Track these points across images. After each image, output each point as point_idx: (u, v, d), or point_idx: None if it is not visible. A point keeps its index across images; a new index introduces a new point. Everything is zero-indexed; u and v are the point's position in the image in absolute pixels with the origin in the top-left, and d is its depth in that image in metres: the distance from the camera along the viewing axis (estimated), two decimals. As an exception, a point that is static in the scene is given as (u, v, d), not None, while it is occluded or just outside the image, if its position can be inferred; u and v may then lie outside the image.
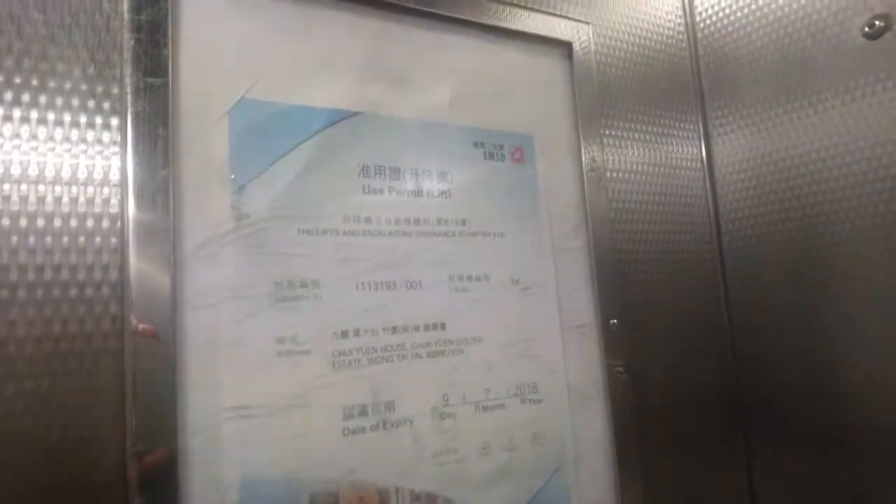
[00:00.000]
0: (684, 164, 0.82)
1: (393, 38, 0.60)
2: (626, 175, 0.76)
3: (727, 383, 0.79)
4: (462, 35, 0.64)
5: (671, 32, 0.85)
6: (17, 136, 0.43)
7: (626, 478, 0.65)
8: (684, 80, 0.85)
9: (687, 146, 0.83)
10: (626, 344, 0.69)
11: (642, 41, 0.81)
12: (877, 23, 0.64)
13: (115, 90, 0.46)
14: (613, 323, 0.69)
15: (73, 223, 0.43)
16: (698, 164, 0.84)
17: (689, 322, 0.78)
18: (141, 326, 0.43)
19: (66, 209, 0.43)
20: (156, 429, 0.43)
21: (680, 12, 0.87)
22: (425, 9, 0.60)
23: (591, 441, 0.65)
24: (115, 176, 0.45)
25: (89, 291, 0.43)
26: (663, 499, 0.69)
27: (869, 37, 0.65)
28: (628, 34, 0.80)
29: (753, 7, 0.78)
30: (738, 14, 0.80)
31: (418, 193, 0.59)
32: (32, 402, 0.40)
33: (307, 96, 0.54)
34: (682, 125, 0.83)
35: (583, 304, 0.68)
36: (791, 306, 0.74)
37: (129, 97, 0.46)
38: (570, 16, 0.73)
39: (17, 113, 0.43)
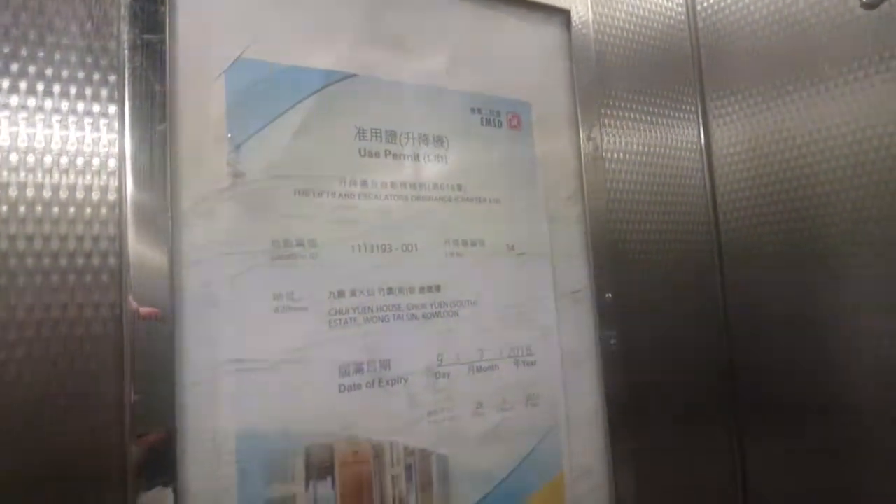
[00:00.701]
0: (682, 143, 0.83)
1: (390, 0, 0.60)
2: (623, 144, 0.76)
3: (720, 359, 0.80)
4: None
5: (671, 12, 0.84)
6: (15, 88, 0.43)
7: (617, 443, 0.67)
8: (683, 56, 0.85)
9: (685, 125, 0.83)
10: (621, 316, 0.70)
11: (642, 16, 0.81)
12: (874, -10, 0.64)
13: (113, 46, 0.46)
14: (609, 297, 0.70)
15: (72, 177, 0.44)
16: (696, 144, 0.84)
17: (684, 297, 0.78)
18: (141, 308, 0.44)
19: (63, 160, 0.44)
20: (153, 380, 0.44)
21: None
22: (422, -28, 0.61)
23: (584, 405, 0.66)
24: (112, 131, 0.46)
25: (88, 244, 0.44)
26: (653, 466, 0.70)
27: (866, 6, 0.65)
28: (627, 9, 0.79)
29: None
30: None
31: (415, 158, 0.59)
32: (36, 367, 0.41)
33: (304, 57, 0.54)
34: (679, 103, 0.83)
35: (577, 272, 0.68)
36: (786, 286, 0.75)
37: (126, 53, 0.46)
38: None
39: (14, 67, 0.43)
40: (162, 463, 0.44)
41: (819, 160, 0.71)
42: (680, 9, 0.85)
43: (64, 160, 0.44)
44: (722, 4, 0.83)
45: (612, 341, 0.69)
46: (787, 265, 0.75)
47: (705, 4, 0.85)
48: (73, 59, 0.45)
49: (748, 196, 0.80)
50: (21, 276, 0.42)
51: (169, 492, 0.43)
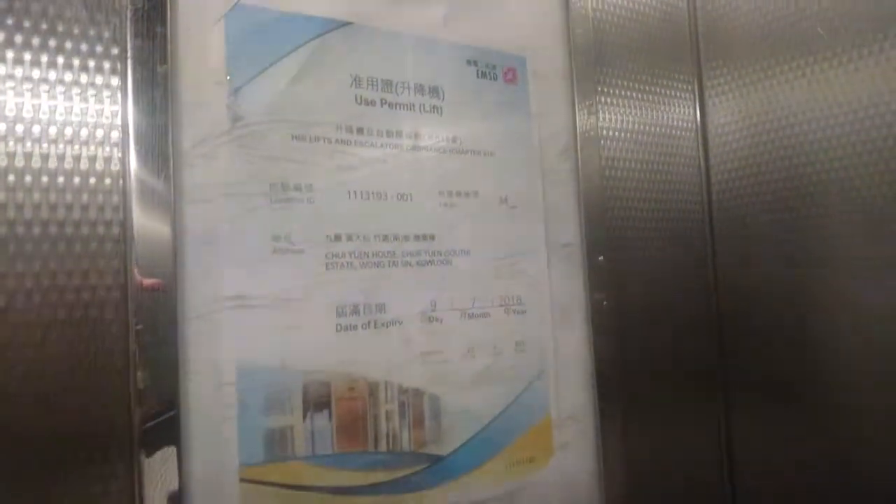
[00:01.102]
0: (676, 109, 0.83)
1: (387, -50, 0.60)
2: (618, 106, 0.77)
3: (709, 327, 0.82)
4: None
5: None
6: (19, 27, 0.44)
7: (603, 393, 0.69)
8: (680, 21, 0.85)
9: (679, 91, 0.84)
10: (610, 275, 0.72)
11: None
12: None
13: (113, -13, 0.47)
14: (601, 259, 0.71)
15: (76, 119, 0.45)
16: (690, 114, 0.85)
17: (675, 263, 0.80)
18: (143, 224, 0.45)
19: (66, 104, 0.45)
20: (155, 312, 0.46)
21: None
22: (420, -78, 0.61)
23: (572, 354, 0.68)
24: (116, 73, 0.46)
25: (93, 181, 0.45)
26: (640, 417, 0.73)
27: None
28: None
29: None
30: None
31: (410, 107, 0.60)
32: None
33: (301, 4, 0.55)
34: (675, 71, 0.84)
35: (568, 226, 0.70)
36: (776, 259, 0.76)
37: (126, -6, 0.47)
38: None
39: (17, 4, 0.44)
40: (165, 393, 0.46)
41: (812, 139, 0.72)
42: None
43: (66, 103, 0.45)
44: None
45: (605, 302, 0.71)
46: (778, 240, 0.77)
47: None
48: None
49: (742, 166, 0.81)
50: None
51: (172, 420, 0.46)
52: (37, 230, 0.43)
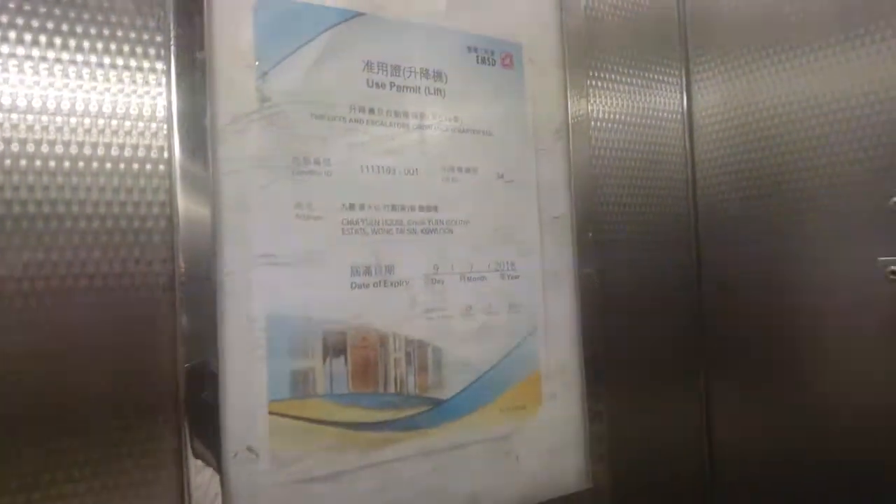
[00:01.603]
0: (663, 95, 0.90)
1: (396, -54, 0.66)
2: (608, 91, 0.83)
3: (691, 304, 0.90)
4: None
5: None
6: (75, 18, 0.50)
7: (589, 350, 0.77)
8: (669, 12, 0.91)
9: (667, 78, 0.90)
10: (599, 246, 0.79)
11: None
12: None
13: (158, -18, 0.53)
14: (589, 235, 0.78)
15: (127, 99, 0.52)
16: (677, 100, 0.91)
17: (659, 240, 0.87)
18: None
19: (118, 86, 0.52)
20: (198, 266, 0.53)
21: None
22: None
23: (561, 316, 0.75)
24: (160, 58, 0.53)
25: (142, 153, 0.52)
26: (622, 369, 0.80)
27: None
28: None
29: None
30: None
31: (416, 90, 0.67)
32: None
33: (321, -4, 0.61)
34: (662, 61, 0.90)
35: (560, 200, 0.77)
36: (757, 242, 0.83)
37: (169, -12, 0.53)
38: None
39: (76, -3, 0.50)
40: (205, 340, 0.53)
41: (790, 127, 0.78)
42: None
43: (117, 85, 0.52)
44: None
45: (592, 272, 0.78)
46: (757, 220, 0.83)
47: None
48: (124, -7, 0.52)
49: (724, 150, 0.87)
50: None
51: (212, 361, 0.53)
52: (95, 193, 0.50)
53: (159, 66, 0.53)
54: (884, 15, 0.69)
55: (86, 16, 0.51)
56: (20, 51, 0.48)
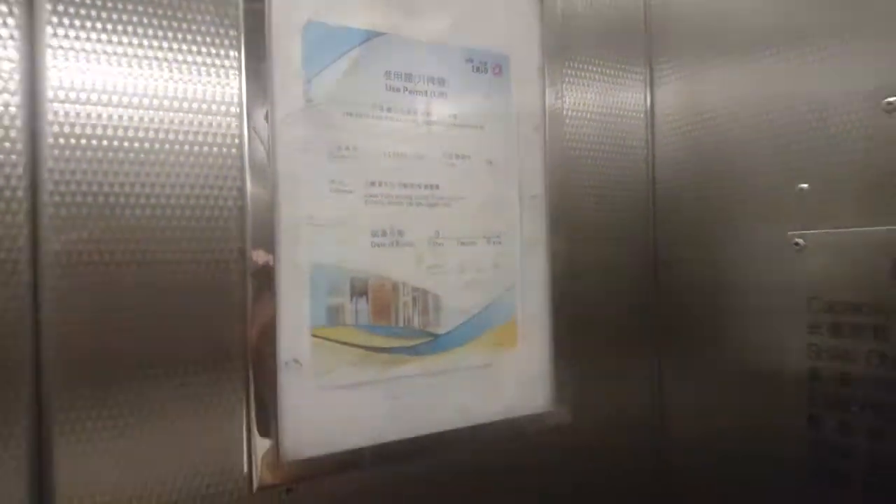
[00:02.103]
0: (630, 98, 1.08)
1: (411, -22, 0.84)
2: (581, 93, 1.01)
3: (646, 282, 1.08)
4: (460, -22, 0.88)
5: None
6: (151, 33, 0.68)
7: (556, 302, 0.96)
8: (637, 24, 1.09)
9: (633, 84, 1.08)
10: (566, 222, 0.98)
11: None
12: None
13: (232, 11, 0.71)
14: (558, 212, 0.97)
15: (207, 92, 0.70)
16: (641, 104, 1.09)
17: (621, 215, 1.06)
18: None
19: (207, 79, 0.70)
20: (263, 226, 0.71)
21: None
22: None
23: (535, 275, 0.94)
24: (234, 68, 0.71)
25: (220, 138, 0.70)
26: (584, 323, 0.99)
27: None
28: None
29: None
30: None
31: (425, 94, 0.85)
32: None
33: (350, 19, 0.79)
34: (630, 65, 1.07)
35: (537, 183, 0.95)
36: (708, 233, 0.99)
37: (241, 14, 0.71)
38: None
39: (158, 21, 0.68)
40: (267, 283, 0.72)
41: (735, 131, 0.96)
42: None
43: (196, 89, 0.70)
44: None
45: (560, 242, 0.97)
46: (709, 207, 1.01)
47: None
48: (207, 19, 0.70)
49: (682, 144, 1.06)
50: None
51: (271, 293, 0.72)
52: (176, 169, 0.69)
53: (232, 75, 0.71)
54: (817, 34, 0.85)
55: (170, 33, 0.69)
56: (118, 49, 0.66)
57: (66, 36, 0.63)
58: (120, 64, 0.66)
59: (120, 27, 0.66)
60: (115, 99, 0.65)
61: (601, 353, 1.02)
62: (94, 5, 0.65)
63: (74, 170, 0.63)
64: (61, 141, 0.63)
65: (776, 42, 0.89)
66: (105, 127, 0.65)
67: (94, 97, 0.64)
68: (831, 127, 0.83)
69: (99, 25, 0.65)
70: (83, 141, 0.64)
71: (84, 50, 0.64)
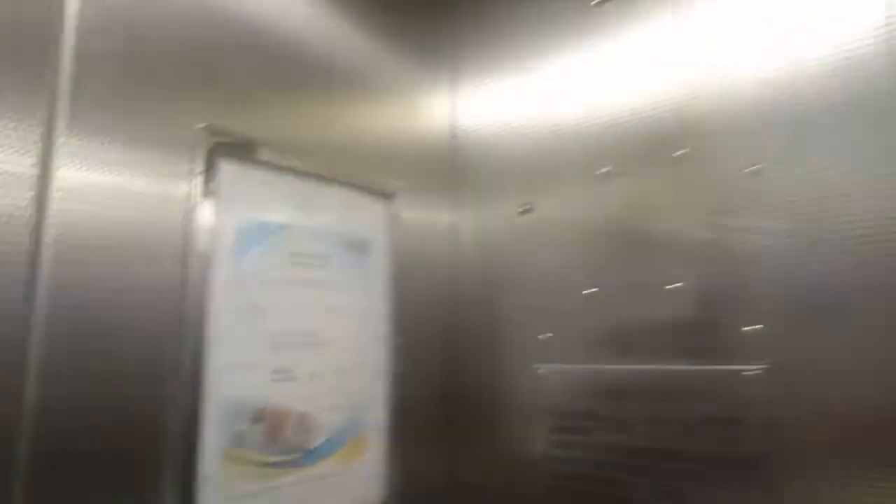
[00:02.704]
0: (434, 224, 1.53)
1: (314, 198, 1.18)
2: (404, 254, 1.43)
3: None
4: (336, 190, 1.25)
5: (441, 141, 1.56)
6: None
7: (393, 420, 1.30)
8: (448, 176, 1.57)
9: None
10: (408, 356, 1.35)
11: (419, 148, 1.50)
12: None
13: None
14: (401, 343, 1.34)
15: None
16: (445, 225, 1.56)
17: (428, 351, 1.47)
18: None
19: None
20: (197, 366, 0.94)
21: (447, 125, 1.58)
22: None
23: (378, 400, 1.28)
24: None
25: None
26: (416, 438, 1.35)
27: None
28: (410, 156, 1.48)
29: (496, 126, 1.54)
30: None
31: (316, 266, 1.17)
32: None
33: (270, 216, 1.09)
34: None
35: (382, 325, 1.32)
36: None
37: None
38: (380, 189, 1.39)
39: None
40: (193, 415, 0.94)
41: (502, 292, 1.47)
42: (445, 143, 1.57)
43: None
44: (475, 135, 1.57)
45: (399, 371, 1.33)
46: (492, 352, 1.49)
47: (465, 141, 1.57)
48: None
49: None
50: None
51: (196, 428, 0.94)
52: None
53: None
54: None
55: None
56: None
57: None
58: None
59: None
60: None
61: (422, 455, 1.38)
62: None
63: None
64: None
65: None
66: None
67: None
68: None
69: (91, 220, 0.86)
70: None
71: (78, 238, 0.85)
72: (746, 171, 1.12)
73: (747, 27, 1.16)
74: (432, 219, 1.52)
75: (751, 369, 1.09)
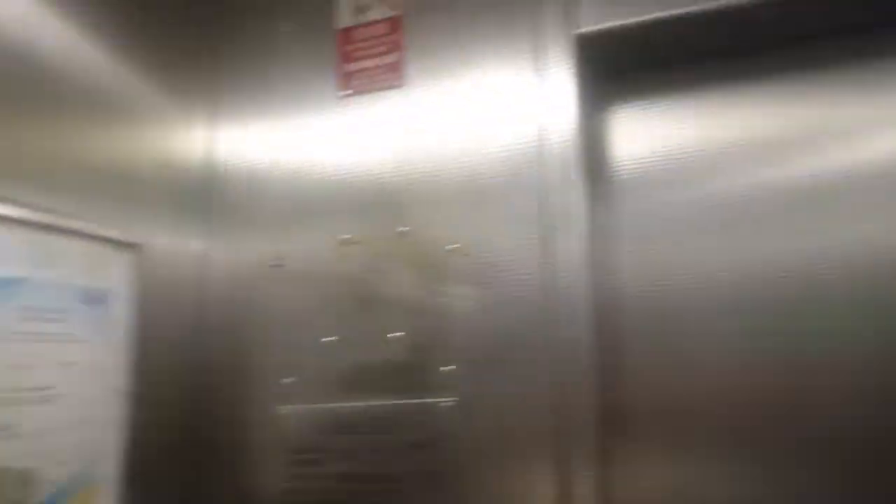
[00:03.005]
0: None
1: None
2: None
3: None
4: (76, 241, 1.27)
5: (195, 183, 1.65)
6: None
7: (126, 472, 1.32)
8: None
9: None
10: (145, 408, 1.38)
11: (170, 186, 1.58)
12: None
13: None
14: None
15: None
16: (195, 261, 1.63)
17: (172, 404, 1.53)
18: None
19: None
20: None
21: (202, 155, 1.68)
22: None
23: (110, 450, 1.30)
24: None
25: None
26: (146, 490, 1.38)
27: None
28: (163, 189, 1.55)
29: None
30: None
31: (53, 321, 1.16)
32: None
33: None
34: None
35: (123, 379, 1.34)
36: None
37: None
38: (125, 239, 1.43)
39: None
40: None
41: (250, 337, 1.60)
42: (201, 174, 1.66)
43: None
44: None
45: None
46: (243, 396, 1.59)
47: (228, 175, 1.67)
48: None
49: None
50: None
51: None
52: None
53: None
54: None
55: None
56: None
57: None
58: None
59: None
60: None
61: (156, 501, 1.41)
62: None
63: None
64: None
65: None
66: None
67: None
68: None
69: None
70: None
71: None
72: (447, 247, 1.47)
73: (449, 121, 1.51)
74: (180, 266, 1.59)
75: (445, 401, 1.41)
